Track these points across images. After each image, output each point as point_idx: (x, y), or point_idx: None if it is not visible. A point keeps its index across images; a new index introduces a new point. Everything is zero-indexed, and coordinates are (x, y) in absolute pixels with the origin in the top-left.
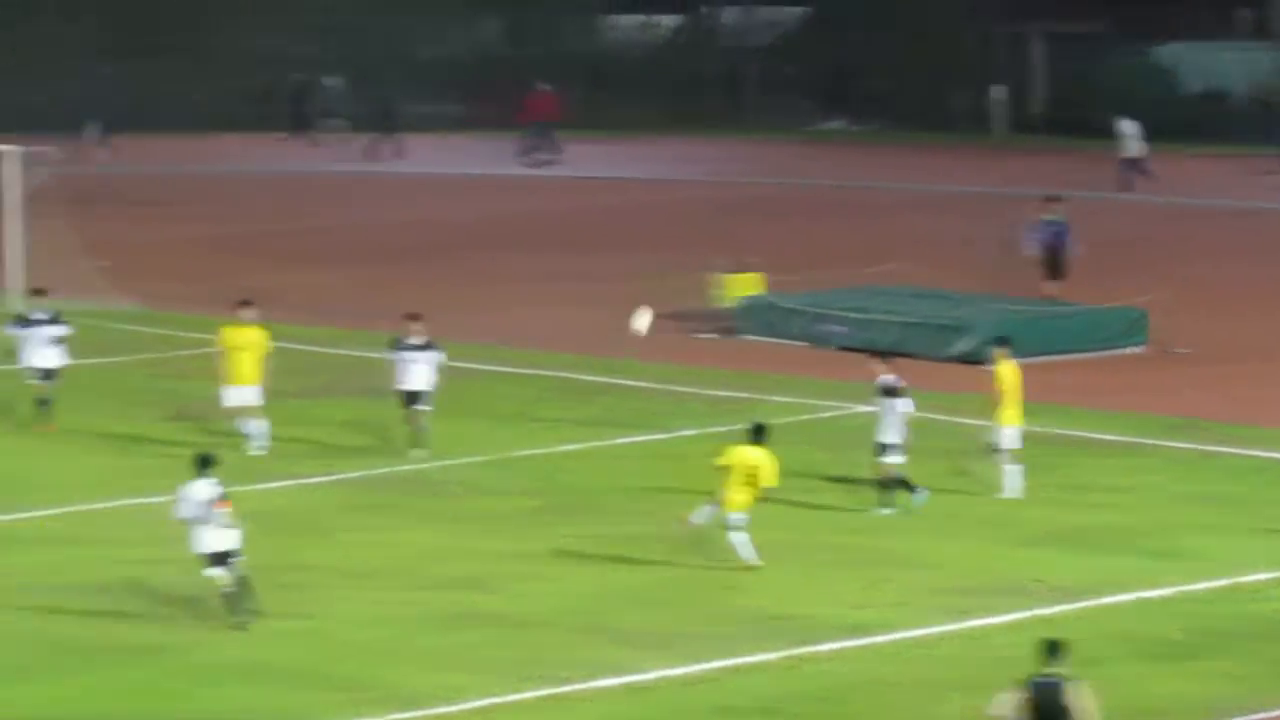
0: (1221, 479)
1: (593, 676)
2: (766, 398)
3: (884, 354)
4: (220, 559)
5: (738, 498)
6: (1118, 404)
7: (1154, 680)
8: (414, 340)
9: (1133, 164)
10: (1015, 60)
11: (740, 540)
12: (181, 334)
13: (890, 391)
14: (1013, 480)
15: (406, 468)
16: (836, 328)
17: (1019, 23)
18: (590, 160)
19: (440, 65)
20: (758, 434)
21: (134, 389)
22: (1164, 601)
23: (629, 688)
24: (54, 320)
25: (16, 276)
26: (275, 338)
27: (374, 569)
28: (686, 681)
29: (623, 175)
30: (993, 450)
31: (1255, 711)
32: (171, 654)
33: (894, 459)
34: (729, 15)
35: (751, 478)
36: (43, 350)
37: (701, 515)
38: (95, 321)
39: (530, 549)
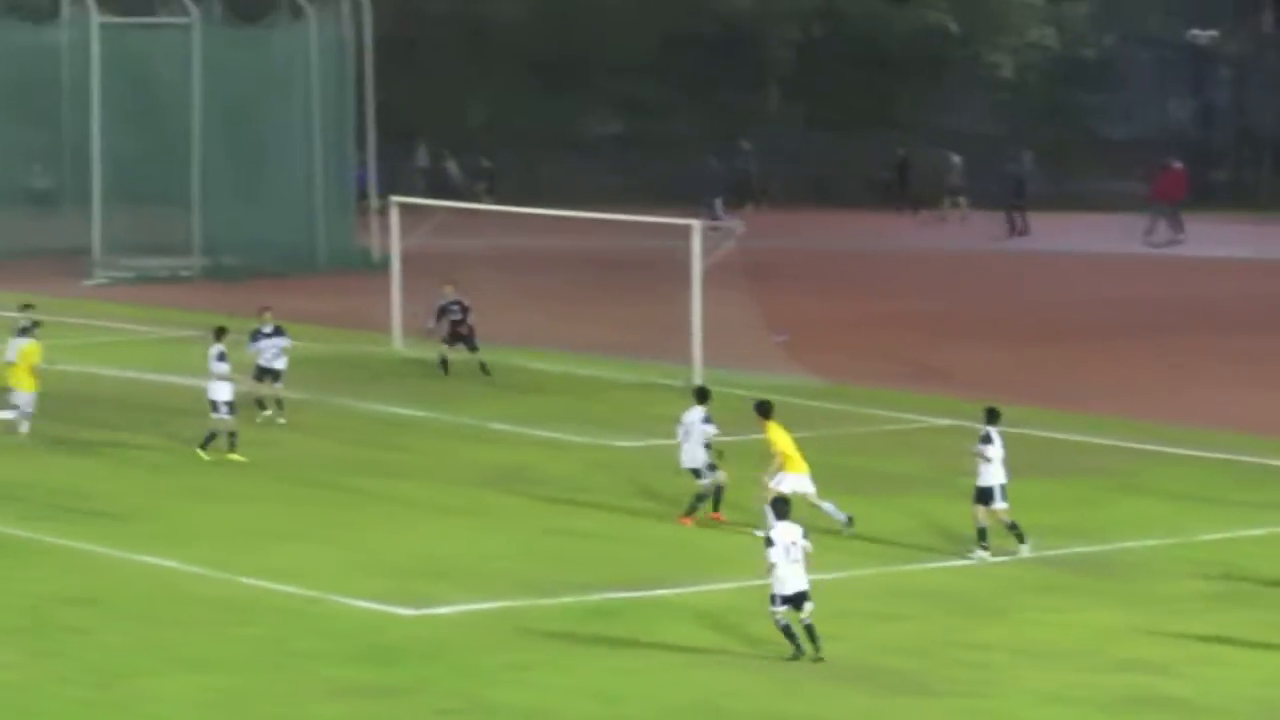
0: None
1: None
2: None
3: None
4: (796, 599)
5: None
6: None
7: None
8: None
9: None
10: None
11: None
12: (861, 410)
13: None
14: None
15: (1081, 549)
16: None
17: None
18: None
19: (1124, 144)
20: None
21: (812, 463)
22: None
23: None
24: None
25: (697, 349)
26: (953, 415)
27: (1051, 650)
28: None
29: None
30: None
31: None
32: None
33: None
34: None
35: None
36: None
37: None
38: (774, 395)
39: (1211, 634)
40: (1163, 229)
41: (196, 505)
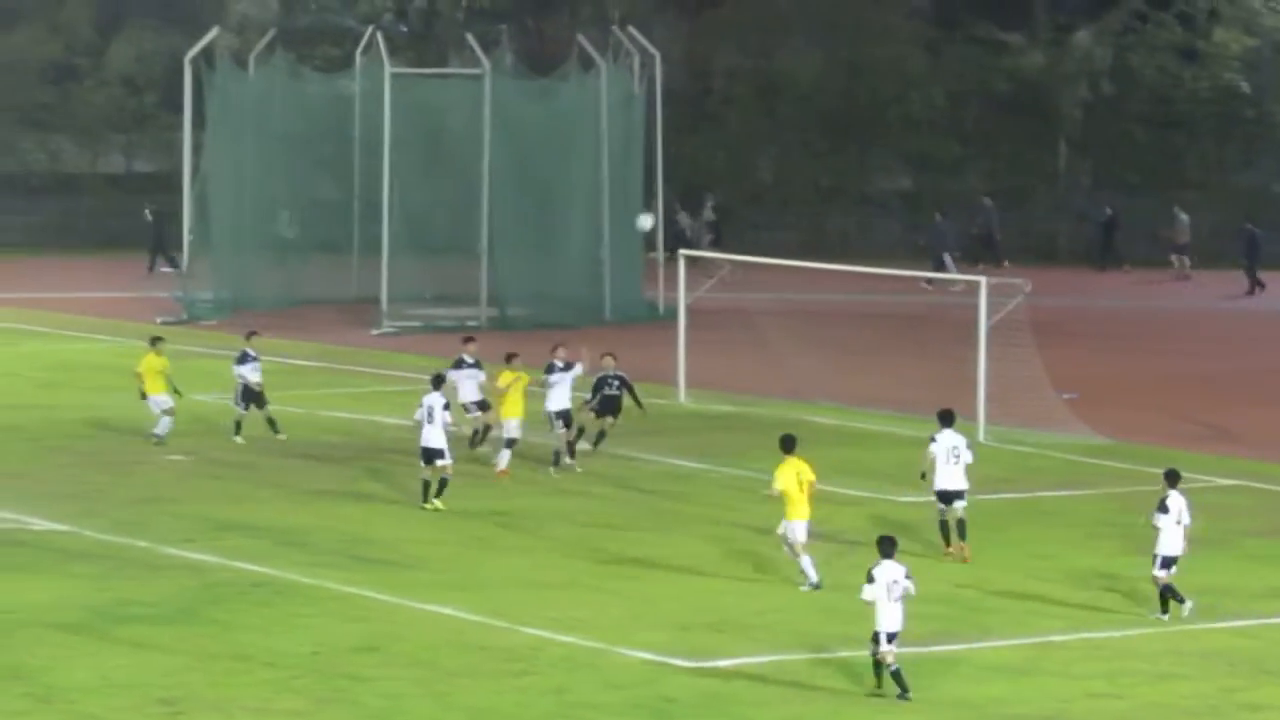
0: None
1: None
2: None
3: None
4: (891, 637)
5: None
6: None
7: None
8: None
9: None
10: None
11: None
12: (1147, 469)
13: None
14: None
15: None
16: None
17: None
18: None
19: None
20: None
21: (1096, 521)
22: None
23: None
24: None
25: (980, 405)
26: (1238, 475)
27: None
28: None
29: None
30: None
31: None
32: None
33: None
34: None
35: None
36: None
37: None
38: (1059, 453)
39: None
40: None
41: (479, 554)
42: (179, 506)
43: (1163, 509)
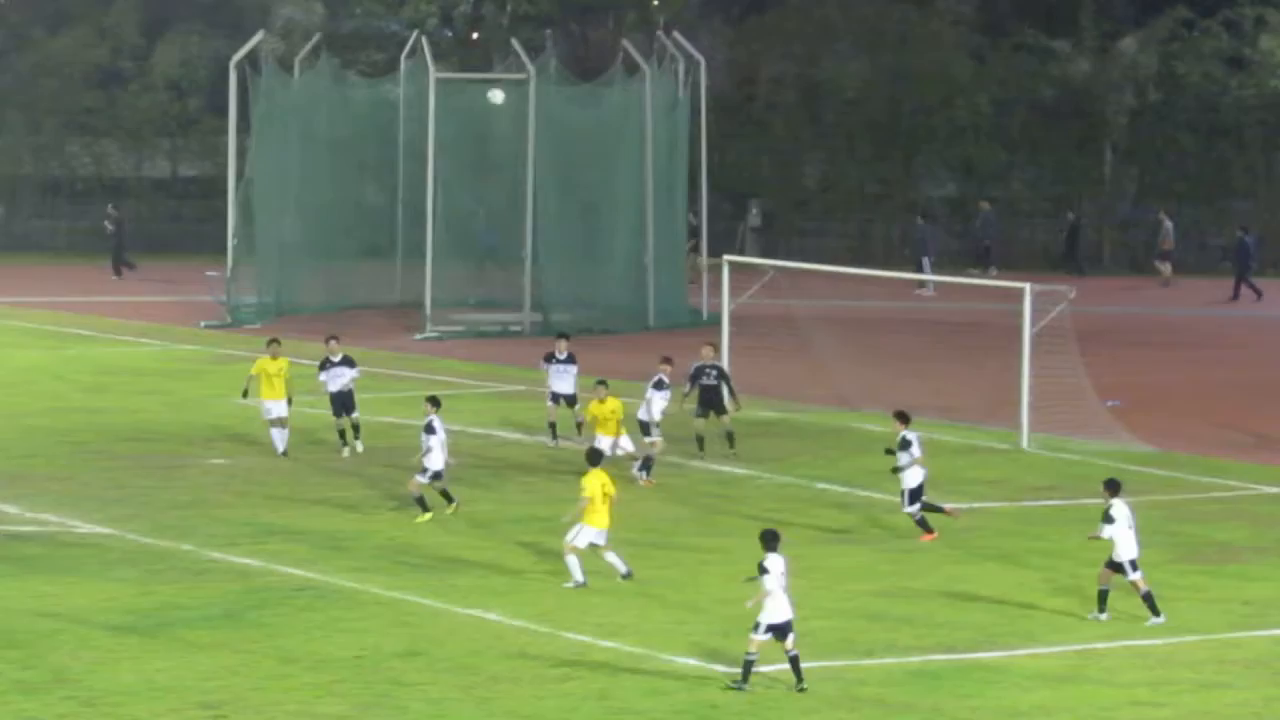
0: None
1: None
2: None
3: None
4: (778, 629)
5: None
6: None
7: None
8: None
9: None
10: None
11: None
12: (1192, 477)
13: None
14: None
15: None
16: None
17: None
18: None
19: None
20: None
21: (1140, 529)
22: None
23: None
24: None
25: (1024, 412)
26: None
27: None
28: None
29: None
30: None
31: None
32: None
33: None
34: None
35: None
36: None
37: None
38: (1103, 461)
39: None
40: None
41: (522, 559)
42: (222, 510)
43: (1108, 520)
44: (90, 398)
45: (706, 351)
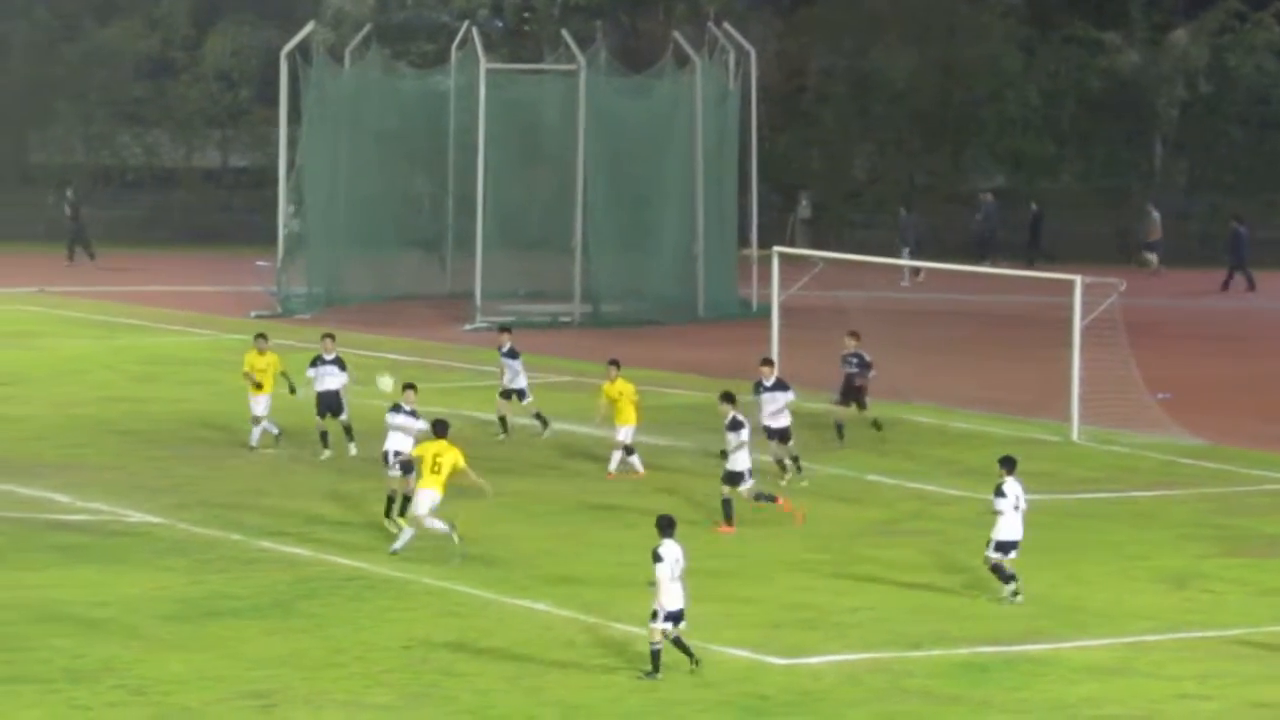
0: None
1: None
2: None
3: None
4: (674, 616)
5: None
6: None
7: None
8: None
9: None
10: None
11: None
12: (1242, 470)
13: None
14: None
15: None
16: None
17: None
18: None
19: None
20: None
21: (1190, 522)
22: None
23: None
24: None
25: (1074, 405)
26: None
27: None
28: None
29: None
30: None
31: None
32: None
33: None
34: None
35: None
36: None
37: None
38: (1153, 454)
39: None
40: None
41: (570, 549)
42: (271, 500)
43: (1000, 494)
44: (139, 387)
45: (849, 341)
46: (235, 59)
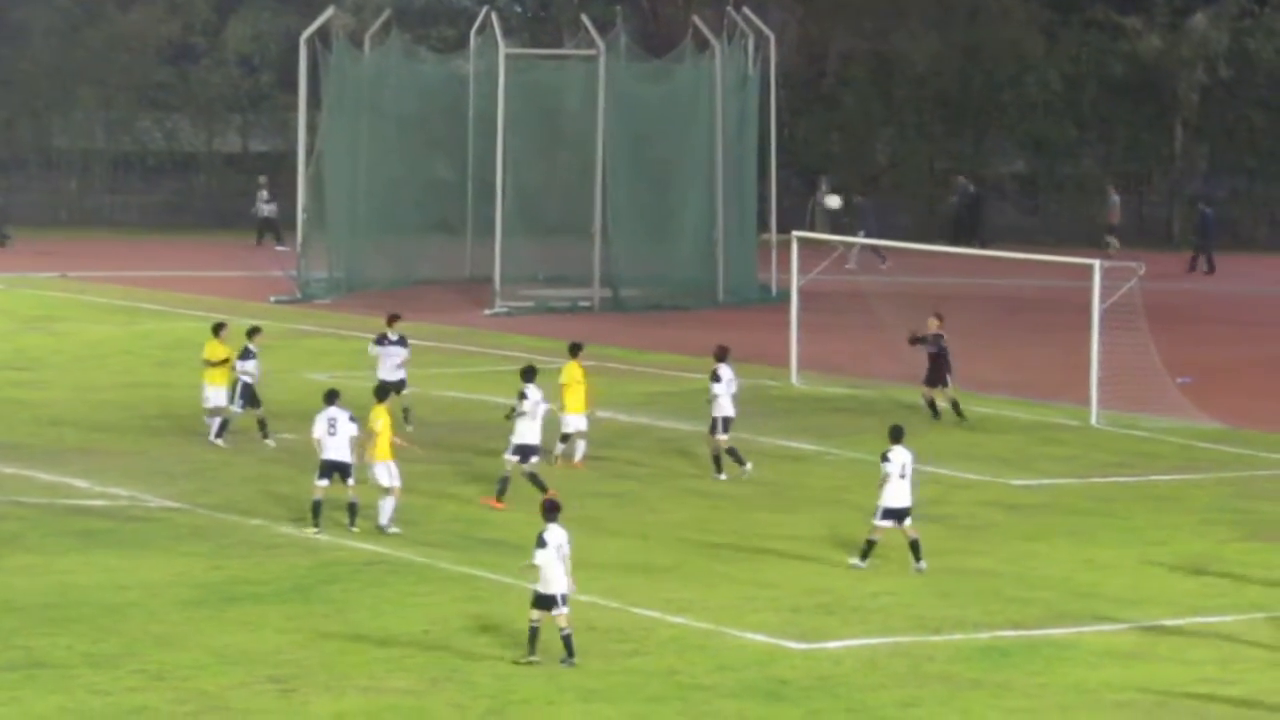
0: None
1: None
2: None
3: None
4: (564, 599)
5: None
6: None
7: None
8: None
9: None
10: None
11: None
12: (1262, 454)
13: None
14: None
15: None
16: None
17: None
18: None
19: None
20: None
21: (1210, 506)
22: None
23: None
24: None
25: (1094, 389)
26: None
27: None
28: None
29: None
30: None
31: None
32: None
33: None
34: None
35: None
36: (391, 363)
37: None
38: (1173, 438)
39: None
40: None
41: (590, 535)
42: (291, 485)
43: (885, 459)
44: (161, 372)
45: (932, 322)
46: (256, 44)
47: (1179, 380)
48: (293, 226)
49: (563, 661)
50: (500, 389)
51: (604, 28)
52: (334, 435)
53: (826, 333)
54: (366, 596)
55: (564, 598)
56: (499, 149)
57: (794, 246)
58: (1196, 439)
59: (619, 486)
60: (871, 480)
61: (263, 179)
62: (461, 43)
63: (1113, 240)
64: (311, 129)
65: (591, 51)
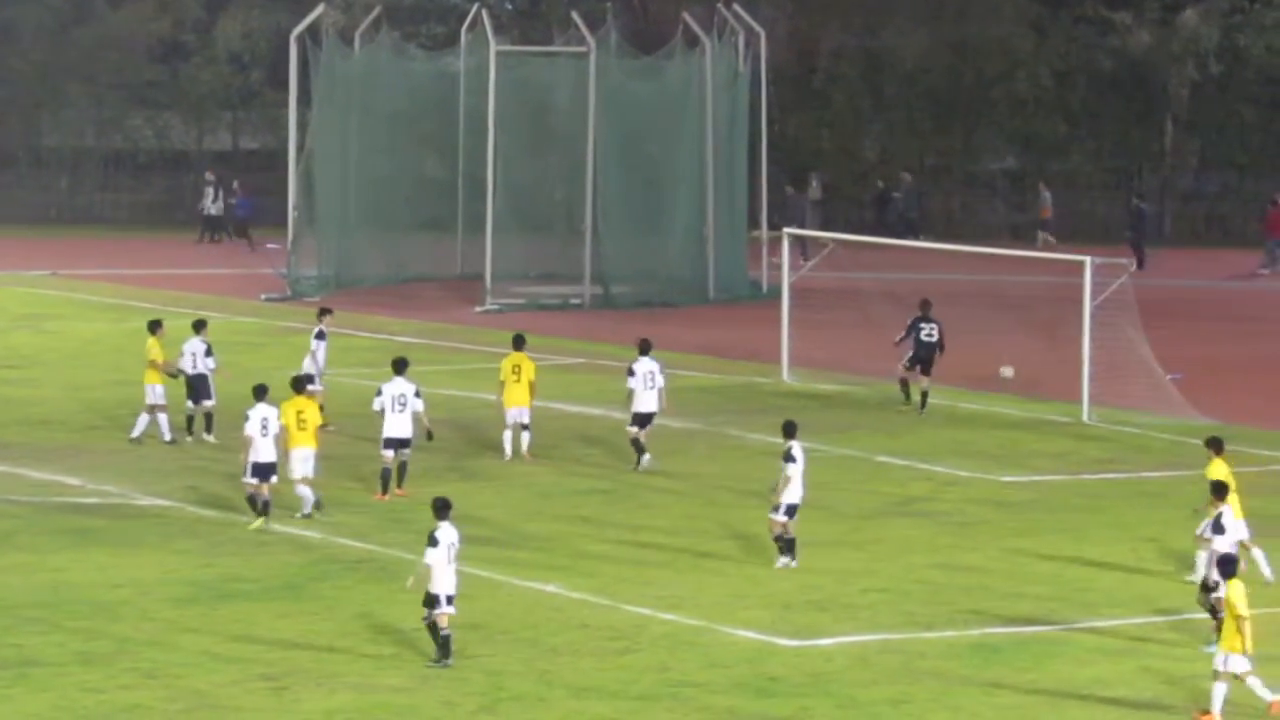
0: None
1: None
2: None
3: None
4: (450, 599)
5: None
6: None
7: None
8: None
9: None
10: None
11: None
12: (1251, 451)
13: None
14: None
15: None
16: None
17: None
18: None
19: None
20: None
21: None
22: None
23: None
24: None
25: (1085, 385)
26: None
27: None
28: None
29: None
30: None
31: None
32: None
33: None
34: None
35: None
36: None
37: None
38: (1164, 434)
39: None
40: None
41: (582, 532)
42: (282, 484)
43: (789, 459)
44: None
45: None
46: (246, 42)
47: (1171, 376)
48: (283, 224)
49: (436, 663)
50: (494, 385)
51: (594, 24)
52: (265, 436)
53: (817, 329)
54: (357, 594)
55: (449, 598)
56: (490, 146)
57: (785, 243)
58: (1188, 435)
59: (610, 484)
60: (862, 477)
61: (210, 175)
62: (452, 40)
63: (1046, 235)
64: (302, 126)
65: (582, 48)
